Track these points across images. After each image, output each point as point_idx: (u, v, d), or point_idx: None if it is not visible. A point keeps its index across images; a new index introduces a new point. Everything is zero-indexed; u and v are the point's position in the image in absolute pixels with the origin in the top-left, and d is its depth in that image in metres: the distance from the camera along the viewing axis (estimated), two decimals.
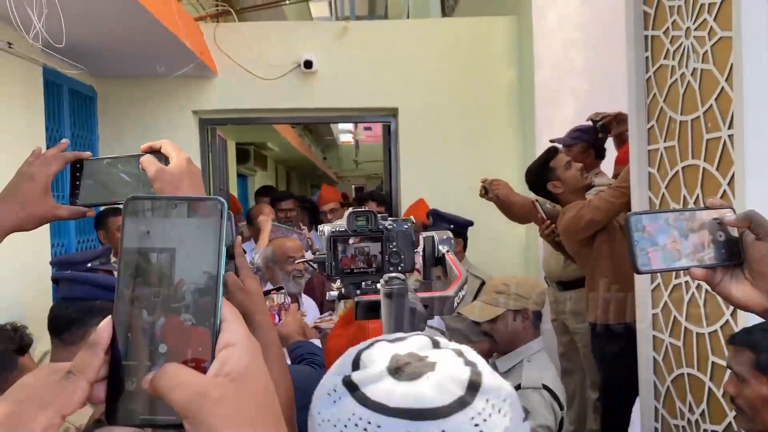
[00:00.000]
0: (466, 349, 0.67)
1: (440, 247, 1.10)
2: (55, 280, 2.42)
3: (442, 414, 0.60)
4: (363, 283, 1.05)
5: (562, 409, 2.30)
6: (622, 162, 3.10)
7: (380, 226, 1.07)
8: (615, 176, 3.25)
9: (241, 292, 1.63)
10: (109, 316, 0.54)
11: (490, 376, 0.63)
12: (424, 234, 1.11)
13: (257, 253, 3.83)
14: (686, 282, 1.96)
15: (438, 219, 3.71)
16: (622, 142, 3.23)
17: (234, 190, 8.68)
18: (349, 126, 15.62)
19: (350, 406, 0.62)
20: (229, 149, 8.98)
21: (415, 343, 0.67)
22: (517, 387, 2.27)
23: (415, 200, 4.42)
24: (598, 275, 3.02)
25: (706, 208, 0.92)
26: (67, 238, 4.33)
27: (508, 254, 4.68)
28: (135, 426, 0.54)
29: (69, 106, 4.42)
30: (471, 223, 3.75)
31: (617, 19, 2.26)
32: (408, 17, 10.78)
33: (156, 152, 1.17)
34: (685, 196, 1.95)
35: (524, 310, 2.43)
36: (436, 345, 0.67)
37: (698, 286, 1.89)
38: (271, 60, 4.84)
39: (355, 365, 0.66)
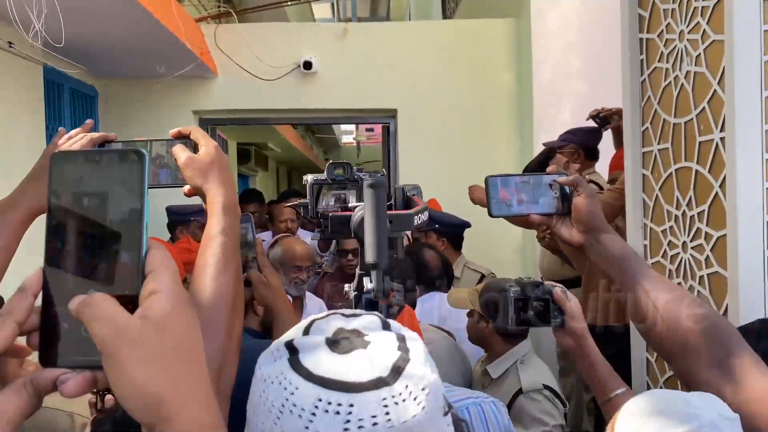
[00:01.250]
0: (412, 337, 0.69)
1: (408, 193, 1.20)
2: None
3: (355, 389, 0.62)
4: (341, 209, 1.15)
5: (564, 406, 2.31)
6: (616, 167, 3.11)
7: (355, 176, 1.17)
8: (610, 182, 3.25)
9: (265, 288, 1.71)
10: (40, 267, 0.55)
11: (417, 365, 0.65)
12: (395, 186, 1.21)
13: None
14: (679, 283, 1.97)
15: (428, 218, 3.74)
16: (620, 139, 3.24)
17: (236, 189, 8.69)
18: (351, 127, 15.64)
19: (282, 367, 0.65)
20: (230, 149, 9.01)
21: (364, 321, 0.70)
22: (518, 392, 2.26)
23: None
24: (596, 276, 3.02)
25: (546, 173, 1.31)
26: None
27: (506, 255, 4.69)
28: (70, 368, 0.54)
29: (70, 105, 4.44)
30: (466, 224, 3.75)
31: (615, 22, 2.26)
32: (410, 19, 10.80)
33: (185, 138, 1.19)
34: (678, 198, 1.96)
35: (487, 320, 2.39)
36: (385, 327, 0.70)
37: (690, 287, 1.90)
38: (271, 61, 4.85)
39: (306, 331, 0.70)
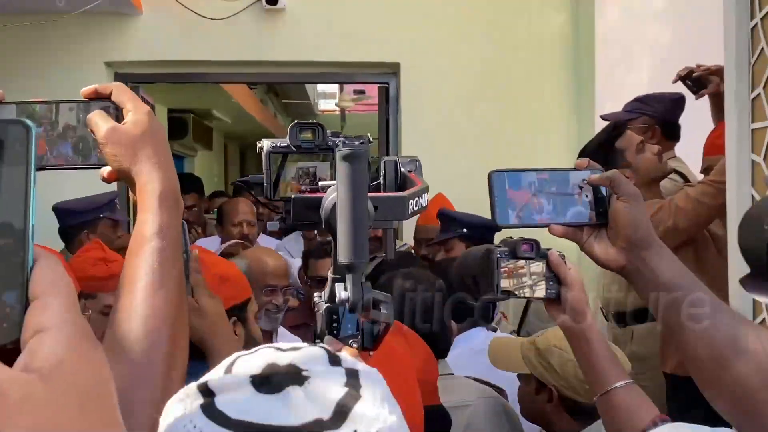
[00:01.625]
0: (369, 373, 0.73)
1: (403, 170, 1.22)
2: None
3: None
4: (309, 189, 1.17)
5: None
6: (712, 150, 3.11)
7: (330, 143, 1.17)
8: (704, 171, 3.26)
9: (194, 315, 1.72)
10: None
11: (369, 405, 0.69)
12: (385, 158, 1.23)
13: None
14: None
15: (449, 221, 3.75)
16: (721, 110, 3.25)
17: None
18: (333, 89, 15.65)
19: (193, 415, 0.68)
20: (158, 116, 9.01)
21: (303, 354, 0.73)
22: None
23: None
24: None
25: (574, 169, 1.32)
26: None
27: None
28: None
29: None
30: (497, 227, 3.77)
31: None
32: None
33: (104, 100, 1.18)
34: None
35: (549, 390, 2.39)
36: (333, 361, 0.74)
37: None
38: None
39: (228, 369, 0.74)
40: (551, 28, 4.97)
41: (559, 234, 1.32)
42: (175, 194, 1.15)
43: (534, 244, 1.54)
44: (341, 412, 0.68)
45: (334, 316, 1.10)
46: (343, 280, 1.01)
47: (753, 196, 2.23)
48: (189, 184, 5.60)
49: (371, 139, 1.24)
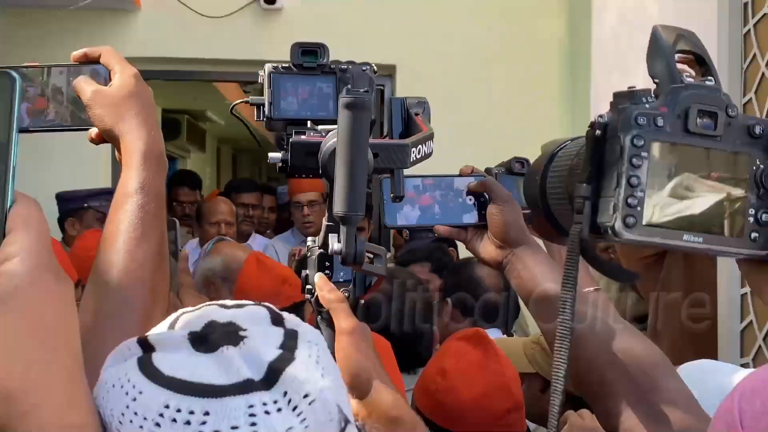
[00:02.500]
0: (308, 336, 0.74)
1: (413, 111, 1.26)
2: None
3: (215, 393, 0.66)
4: (305, 133, 1.15)
5: None
6: None
7: (333, 66, 1.21)
8: None
9: None
10: None
11: (301, 368, 0.69)
12: (392, 97, 1.28)
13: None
14: None
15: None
16: None
17: None
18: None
19: (129, 368, 0.68)
20: None
21: (245, 313, 0.75)
22: None
23: None
24: (669, 310, 3.06)
25: (460, 175, 1.44)
26: None
27: None
28: None
29: None
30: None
31: None
32: None
33: (93, 63, 1.20)
34: None
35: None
36: (275, 321, 0.75)
37: None
38: None
39: (171, 325, 0.74)
40: (547, 32, 5.00)
41: (445, 234, 1.45)
42: (158, 153, 1.16)
43: (525, 161, 1.60)
44: (273, 374, 0.68)
45: (327, 263, 1.11)
46: (337, 230, 1.01)
47: None
48: (185, 178, 5.63)
49: (375, 69, 1.29)
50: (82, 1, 4.45)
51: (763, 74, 2.16)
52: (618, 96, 0.73)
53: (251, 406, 0.66)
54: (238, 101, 1.45)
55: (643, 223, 0.70)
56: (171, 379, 0.66)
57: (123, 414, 0.66)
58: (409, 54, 4.96)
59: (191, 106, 10.65)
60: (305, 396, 0.68)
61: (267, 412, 0.66)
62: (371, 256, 1.11)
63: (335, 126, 0.99)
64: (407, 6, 5.01)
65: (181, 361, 0.68)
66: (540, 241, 1.49)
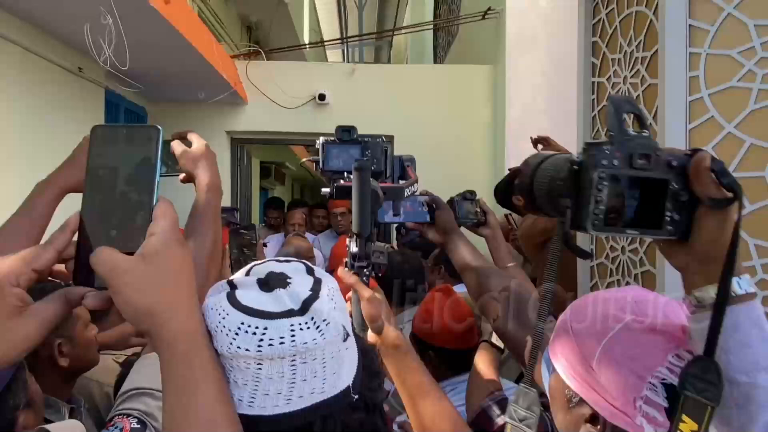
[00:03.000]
0: (328, 281, 0.72)
1: (405, 164, 1.24)
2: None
3: (270, 317, 0.65)
4: (342, 179, 1.15)
5: None
6: None
7: (358, 137, 1.20)
8: None
9: None
10: (77, 212, 0.61)
11: (323, 303, 0.67)
12: (394, 156, 1.25)
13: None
14: (617, 280, 2.02)
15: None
16: None
17: (256, 200, 8.70)
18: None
19: (221, 298, 0.67)
20: (253, 166, 9.03)
21: (290, 267, 0.73)
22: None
23: None
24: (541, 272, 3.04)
25: (422, 194, 1.51)
26: None
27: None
28: (92, 287, 0.60)
29: (124, 122, 4.48)
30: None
31: (575, 69, 2.31)
32: (407, 62, 10.88)
33: (183, 138, 1.21)
34: None
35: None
36: (309, 272, 0.73)
37: (627, 282, 1.94)
38: (292, 92, 4.90)
39: (247, 273, 0.72)
40: (479, 116, 5.01)
41: (411, 227, 1.58)
42: (217, 186, 1.16)
43: (473, 192, 1.83)
44: (305, 306, 0.66)
45: (353, 261, 1.10)
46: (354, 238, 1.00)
47: None
48: (275, 201, 5.62)
49: (385, 139, 1.26)
50: (210, 100, 4.47)
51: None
52: (589, 144, 0.69)
53: (292, 326, 0.65)
54: (305, 159, 1.47)
55: (603, 225, 0.68)
56: (245, 307, 0.65)
57: (216, 327, 0.65)
58: (401, 129, 4.97)
59: (277, 159, 10.67)
60: (324, 320, 0.67)
61: (301, 329, 0.65)
62: (379, 252, 1.09)
63: None
64: (401, 102, 5.02)
65: (251, 296, 0.67)
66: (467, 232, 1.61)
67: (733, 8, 1.59)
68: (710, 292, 0.66)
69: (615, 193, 0.68)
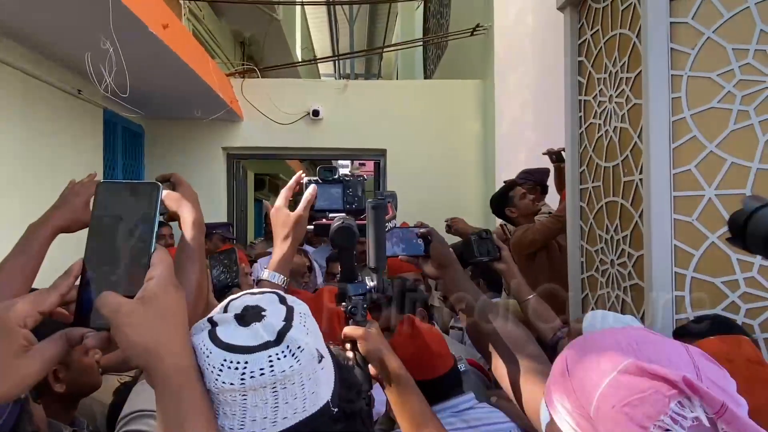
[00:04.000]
0: (299, 309, 0.75)
1: (387, 200, 1.20)
2: None
3: (249, 350, 0.68)
4: (324, 218, 1.14)
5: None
6: (563, 197, 3.18)
7: (340, 177, 1.18)
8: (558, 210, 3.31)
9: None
10: (81, 258, 0.65)
11: (297, 332, 0.71)
12: (376, 192, 1.25)
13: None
14: (608, 292, 2.04)
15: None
16: (562, 181, 3.28)
17: (252, 211, 8.70)
18: (347, 163, 15.68)
19: (204, 337, 0.69)
20: (249, 178, 9.05)
21: (264, 299, 0.75)
22: None
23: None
24: (537, 285, 3.07)
25: (415, 226, 1.43)
26: None
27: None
28: (94, 329, 0.63)
29: (122, 141, 4.48)
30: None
31: (561, 86, 2.33)
32: (397, 77, 10.94)
33: (167, 180, 1.21)
34: (607, 225, 2.03)
35: None
36: (281, 301, 0.75)
37: (617, 296, 1.96)
38: (286, 108, 4.93)
39: (225, 309, 0.75)
40: (470, 129, 5.04)
41: (406, 260, 1.42)
42: (200, 222, 1.15)
43: (488, 234, 1.74)
44: (280, 336, 0.69)
45: (366, 295, 1.10)
46: (370, 274, 1.01)
47: (581, 226, 2.26)
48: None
49: (365, 178, 1.24)
50: (207, 118, 4.48)
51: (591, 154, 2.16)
52: None
53: (270, 357, 0.67)
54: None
55: None
56: (226, 344, 0.68)
57: (202, 364, 0.67)
58: (393, 143, 5.02)
59: (271, 171, 10.67)
60: (298, 347, 0.69)
61: (278, 359, 0.67)
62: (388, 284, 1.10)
63: (340, 215, 1.01)
64: (393, 116, 5.05)
65: (230, 333, 0.69)
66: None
67: (712, 33, 1.63)
68: None
69: None
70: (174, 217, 1.17)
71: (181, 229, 1.16)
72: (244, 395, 0.66)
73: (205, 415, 0.63)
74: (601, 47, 2.06)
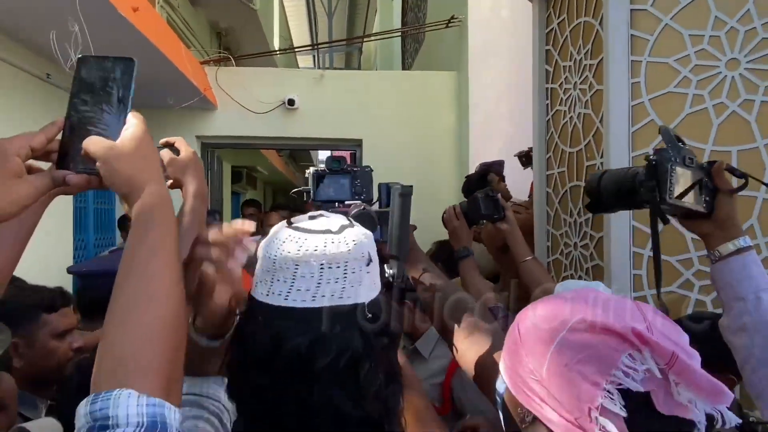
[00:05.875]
0: (363, 231, 0.82)
1: (393, 191, 1.21)
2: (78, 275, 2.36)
3: (311, 232, 0.77)
4: (333, 208, 1.15)
5: None
6: (531, 189, 3.21)
7: (348, 168, 1.20)
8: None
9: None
10: (63, 116, 0.73)
11: (357, 231, 0.80)
12: (381, 183, 1.24)
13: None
14: (571, 274, 2.09)
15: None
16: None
17: (228, 204, 8.64)
18: (325, 153, 15.68)
19: (281, 226, 0.81)
20: (225, 171, 8.98)
21: (336, 216, 0.85)
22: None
23: None
24: (509, 275, 3.11)
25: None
26: (86, 234, 4.31)
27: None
28: (75, 172, 0.71)
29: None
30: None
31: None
32: (377, 69, 10.94)
33: (171, 146, 1.22)
34: (571, 209, 2.08)
35: None
36: (349, 223, 0.83)
37: (579, 276, 2.01)
38: (261, 97, 4.91)
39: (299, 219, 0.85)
40: (445, 120, 5.08)
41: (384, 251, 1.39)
42: (203, 193, 1.19)
43: (493, 195, 1.78)
44: (341, 229, 0.78)
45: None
46: (389, 261, 1.02)
47: (547, 211, 2.30)
48: (253, 203, 5.63)
49: (372, 169, 1.26)
50: (179, 106, 4.45)
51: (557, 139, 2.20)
52: (658, 150, 1.03)
53: (326, 240, 0.76)
54: (295, 190, 1.42)
55: (674, 197, 1.00)
56: (295, 226, 0.79)
57: (270, 238, 0.80)
58: (369, 134, 5.03)
59: (248, 163, 10.60)
60: (353, 240, 0.78)
61: (333, 242, 0.76)
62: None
63: (356, 202, 1.03)
64: (369, 107, 5.07)
65: (302, 222, 0.81)
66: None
67: (670, 19, 1.68)
68: (729, 247, 1.00)
69: (677, 180, 1.00)
70: (177, 184, 1.18)
71: (183, 197, 1.17)
72: (296, 265, 0.75)
73: (174, 237, 0.70)
74: (566, 35, 2.10)
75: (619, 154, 1.73)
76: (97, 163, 0.70)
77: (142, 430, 0.55)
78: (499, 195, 1.84)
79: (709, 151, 1.64)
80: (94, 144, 0.70)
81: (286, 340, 0.72)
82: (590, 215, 1.92)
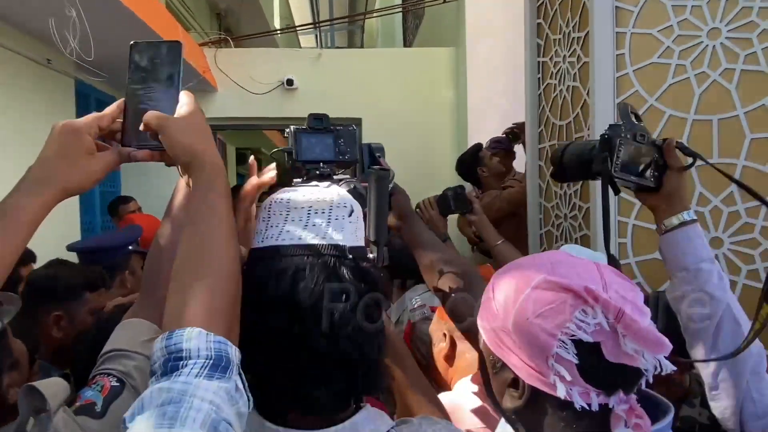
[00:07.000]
0: (348, 194, 0.89)
1: (377, 154, 1.21)
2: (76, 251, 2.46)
3: (303, 185, 0.90)
4: (319, 169, 1.07)
5: None
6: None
7: (331, 126, 1.11)
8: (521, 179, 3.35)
9: None
10: (123, 99, 0.80)
11: (343, 190, 0.89)
12: (363, 143, 1.19)
13: None
14: (561, 245, 2.13)
15: None
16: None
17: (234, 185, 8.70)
18: None
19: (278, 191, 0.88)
20: (229, 153, 9.01)
21: (337, 188, 0.91)
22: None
23: None
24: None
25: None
26: (93, 217, 4.38)
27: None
28: (139, 148, 0.79)
29: (95, 111, 4.46)
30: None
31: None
32: (379, 47, 10.88)
33: None
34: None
35: None
36: (353, 193, 0.92)
37: None
38: (260, 78, 4.92)
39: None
40: (443, 97, 5.09)
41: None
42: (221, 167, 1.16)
43: (462, 189, 1.94)
44: (330, 185, 0.90)
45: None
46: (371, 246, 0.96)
47: (539, 184, 2.33)
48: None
49: (356, 127, 1.16)
50: (183, 87, 4.45)
51: (548, 117, 2.23)
52: (612, 125, 1.10)
53: (316, 191, 0.87)
54: (276, 149, 1.29)
55: (620, 170, 1.06)
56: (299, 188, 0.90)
57: (275, 196, 0.87)
58: (369, 112, 5.04)
59: (253, 145, 10.63)
60: (338, 193, 0.87)
61: (320, 192, 0.86)
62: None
63: (345, 176, 1.02)
64: (367, 85, 5.07)
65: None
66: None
67: None
68: (673, 221, 1.05)
69: (627, 154, 1.07)
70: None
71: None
72: (288, 211, 0.83)
73: (227, 198, 0.75)
74: (556, 8, 2.11)
75: (605, 126, 1.71)
76: (159, 136, 0.75)
77: (211, 362, 0.60)
78: (468, 190, 1.97)
79: (691, 120, 1.67)
80: (156, 118, 0.75)
81: (272, 278, 0.77)
82: (578, 186, 1.96)
